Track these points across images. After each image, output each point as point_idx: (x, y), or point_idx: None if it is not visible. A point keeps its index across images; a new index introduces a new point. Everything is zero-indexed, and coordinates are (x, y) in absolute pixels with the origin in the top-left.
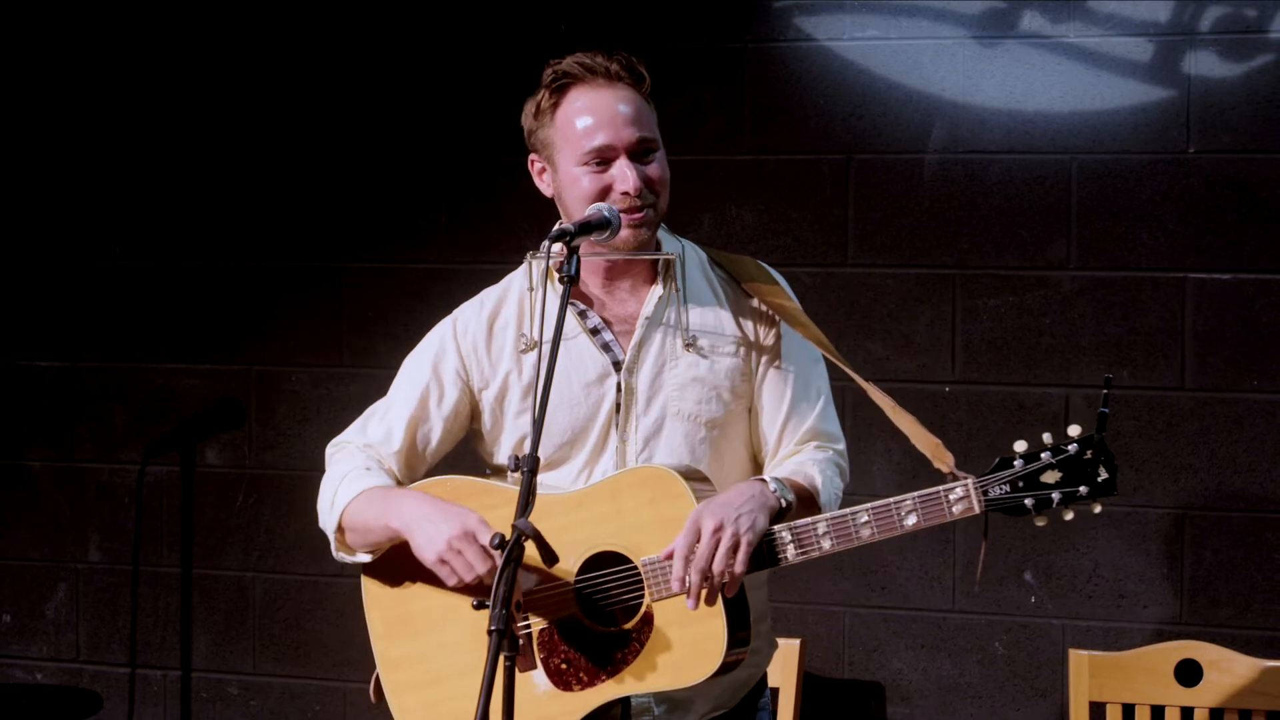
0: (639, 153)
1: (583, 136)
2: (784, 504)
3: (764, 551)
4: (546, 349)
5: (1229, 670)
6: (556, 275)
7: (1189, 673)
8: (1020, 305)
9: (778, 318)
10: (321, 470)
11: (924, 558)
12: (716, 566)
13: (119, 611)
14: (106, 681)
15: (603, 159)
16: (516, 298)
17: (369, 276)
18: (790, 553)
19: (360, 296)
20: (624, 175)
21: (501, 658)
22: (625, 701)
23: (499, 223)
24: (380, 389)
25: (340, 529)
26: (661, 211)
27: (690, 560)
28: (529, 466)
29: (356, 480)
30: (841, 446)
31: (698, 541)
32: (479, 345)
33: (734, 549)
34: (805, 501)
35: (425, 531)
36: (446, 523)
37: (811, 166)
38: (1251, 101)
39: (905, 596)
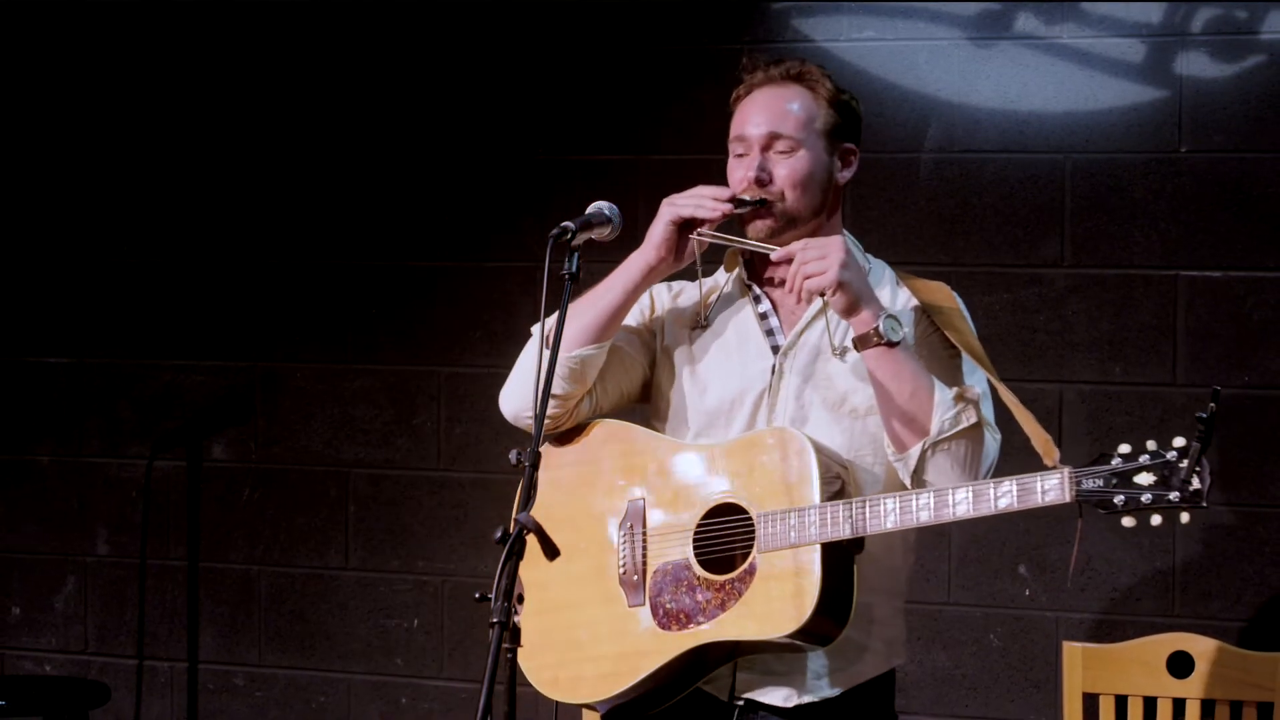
0: (768, 147)
1: (733, 125)
2: (879, 334)
3: (865, 516)
4: (706, 329)
5: (1220, 662)
6: (740, 264)
7: (1181, 664)
8: (1014, 302)
9: (943, 330)
10: (326, 465)
11: (919, 550)
12: (812, 260)
13: (127, 604)
14: (114, 673)
15: (743, 148)
16: (697, 283)
17: (373, 274)
18: (892, 520)
19: (364, 294)
20: (744, 165)
21: (503, 650)
22: (734, 669)
23: (503, 222)
24: (383, 385)
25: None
26: (790, 209)
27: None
28: (530, 461)
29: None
30: (992, 427)
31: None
32: (664, 301)
33: (828, 266)
34: (912, 372)
35: (646, 240)
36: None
37: None
38: (1243, 102)
39: None
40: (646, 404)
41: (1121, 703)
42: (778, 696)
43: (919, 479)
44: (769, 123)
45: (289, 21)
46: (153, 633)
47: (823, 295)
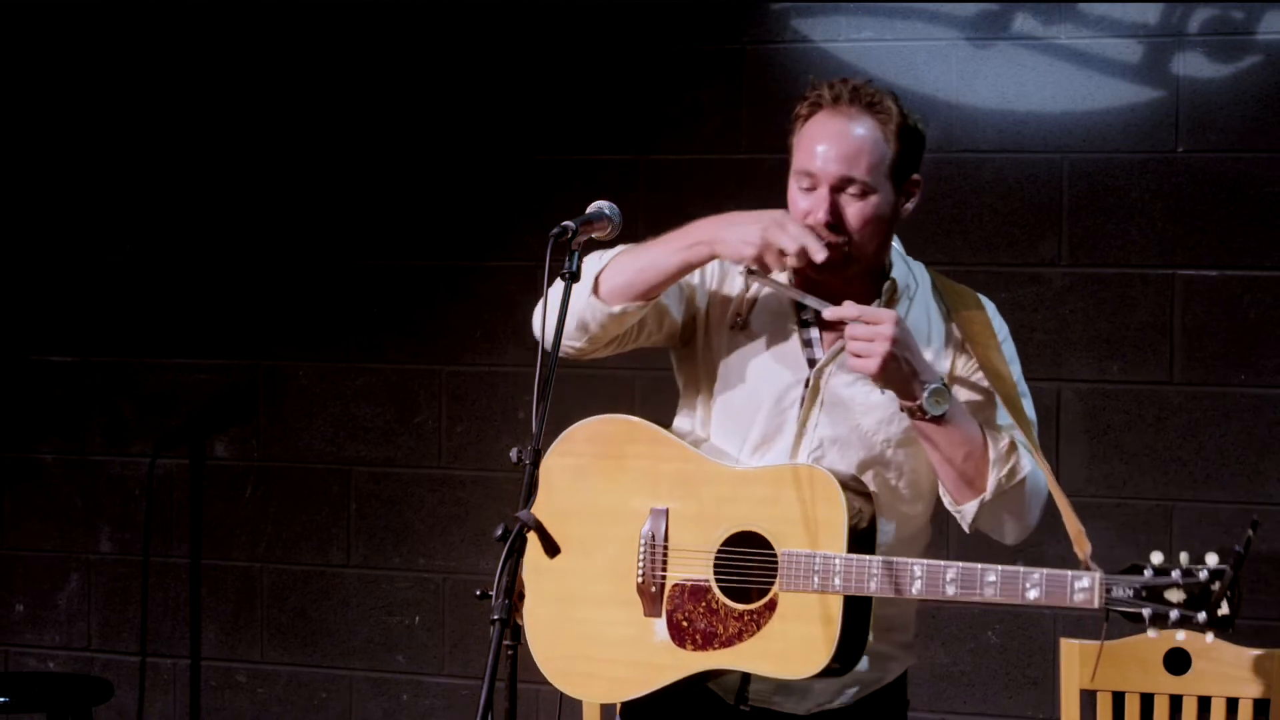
0: (841, 189)
1: (801, 155)
2: (921, 406)
3: (891, 581)
4: (746, 327)
5: (1216, 659)
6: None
7: (1178, 661)
8: (1013, 301)
9: (975, 355)
10: (327, 464)
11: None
12: (861, 340)
13: (130, 601)
14: (117, 670)
15: (810, 183)
16: (736, 278)
17: (374, 274)
18: (918, 588)
19: (366, 292)
20: (815, 205)
21: (504, 647)
22: (745, 676)
23: (503, 222)
24: (385, 384)
25: (597, 283)
26: (860, 251)
27: (858, 321)
28: (531, 459)
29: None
30: (1034, 459)
31: (874, 324)
32: (713, 279)
33: (874, 353)
34: (963, 438)
35: (734, 229)
36: (756, 219)
37: None
38: (1239, 102)
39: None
40: (678, 349)
41: (1119, 699)
42: (792, 705)
43: (978, 526)
44: (842, 166)
45: (290, 21)
46: (155, 630)
47: None
